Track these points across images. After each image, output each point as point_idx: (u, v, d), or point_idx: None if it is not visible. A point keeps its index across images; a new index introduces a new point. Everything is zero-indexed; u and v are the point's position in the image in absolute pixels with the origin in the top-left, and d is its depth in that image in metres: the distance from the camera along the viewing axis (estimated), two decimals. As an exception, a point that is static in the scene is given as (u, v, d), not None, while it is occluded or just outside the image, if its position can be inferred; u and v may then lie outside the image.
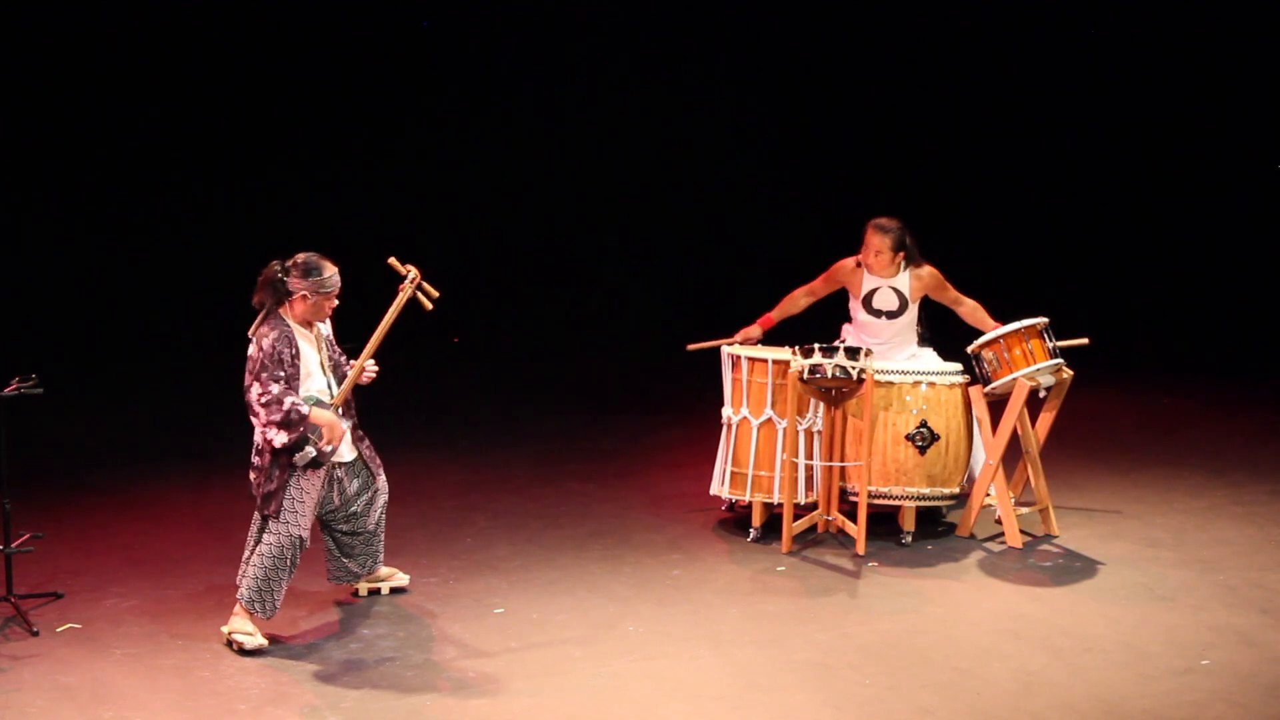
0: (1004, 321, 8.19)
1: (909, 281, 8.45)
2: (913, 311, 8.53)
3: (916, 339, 8.62)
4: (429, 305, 7.13)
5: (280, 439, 6.73)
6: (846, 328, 8.69)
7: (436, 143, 14.22)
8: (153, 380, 11.74)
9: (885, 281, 8.45)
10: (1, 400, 7.09)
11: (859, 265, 8.48)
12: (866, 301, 8.48)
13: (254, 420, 6.79)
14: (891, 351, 8.50)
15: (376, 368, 7.07)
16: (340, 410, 6.98)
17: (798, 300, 8.68)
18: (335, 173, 13.86)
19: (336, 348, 7.18)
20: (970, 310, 8.56)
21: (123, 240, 13.22)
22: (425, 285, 7.12)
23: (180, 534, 8.43)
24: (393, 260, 7.13)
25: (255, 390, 6.74)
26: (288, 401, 6.72)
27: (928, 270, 8.49)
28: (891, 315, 8.48)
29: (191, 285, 13.00)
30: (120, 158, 13.25)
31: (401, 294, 7.07)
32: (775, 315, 8.68)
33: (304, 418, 6.73)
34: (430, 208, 13.99)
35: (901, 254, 8.40)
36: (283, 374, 6.77)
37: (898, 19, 14.71)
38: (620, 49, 14.48)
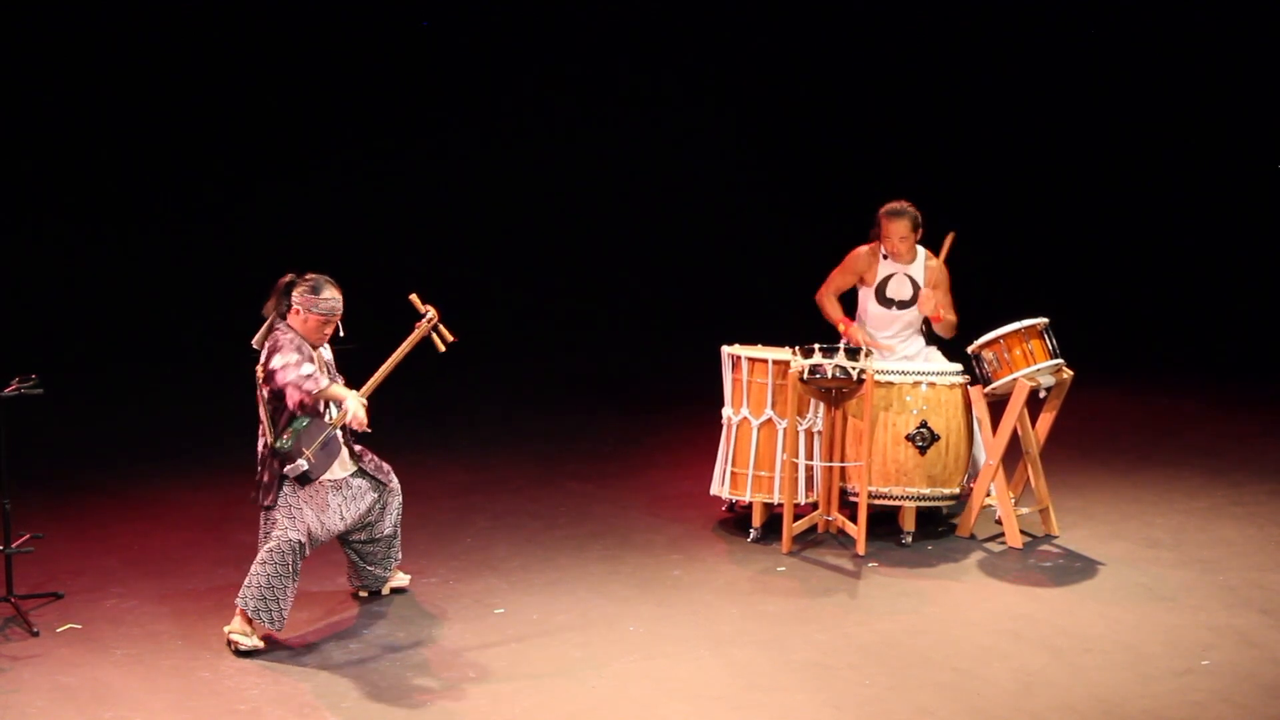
0: (1000, 323, 8.18)
1: (923, 269, 8.46)
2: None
3: (923, 338, 8.62)
4: (442, 348, 7.12)
5: (304, 390, 6.74)
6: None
7: (436, 143, 14.22)
8: (153, 380, 11.74)
9: (901, 268, 8.46)
10: (1, 400, 7.09)
11: (874, 253, 8.49)
12: (880, 290, 8.48)
13: (284, 387, 6.78)
14: (898, 346, 8.49)
15: (364, 404, 6.99)
16: (337, 433, 6.98)
17: (833, 303, 8.60)
18: (334, 173, 13.85)
19: (336, 375, 7.19)
20: (946, 327, 8.54)
21: (123, 240, 13.21)
22: (441, 328, 7.11)
23: (180, 534, 8.43)
24: (413, 297, 7.12)
25: (277, 360, 6.77)
26: (307, 368, 6.76)
27: (939, 264, 8.52)
28: (903, 305, 8.48)
29: (192, 285, 13.00)
30: (121, 158, 13.24)
31: (416, 331, 7.07)
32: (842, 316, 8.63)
33: (318, 380, 6.75)
34: (429, 207, 13.99)
35: (919, 232, 8.42)
36: (300, 355, 6.81)
37: (898, 19, 14.71)
38: (621, 47, 14.47)
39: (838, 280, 8.62)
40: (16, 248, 12.81)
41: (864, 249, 8.55)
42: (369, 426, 6.89)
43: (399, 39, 14.08)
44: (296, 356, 6.80)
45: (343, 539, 7.24)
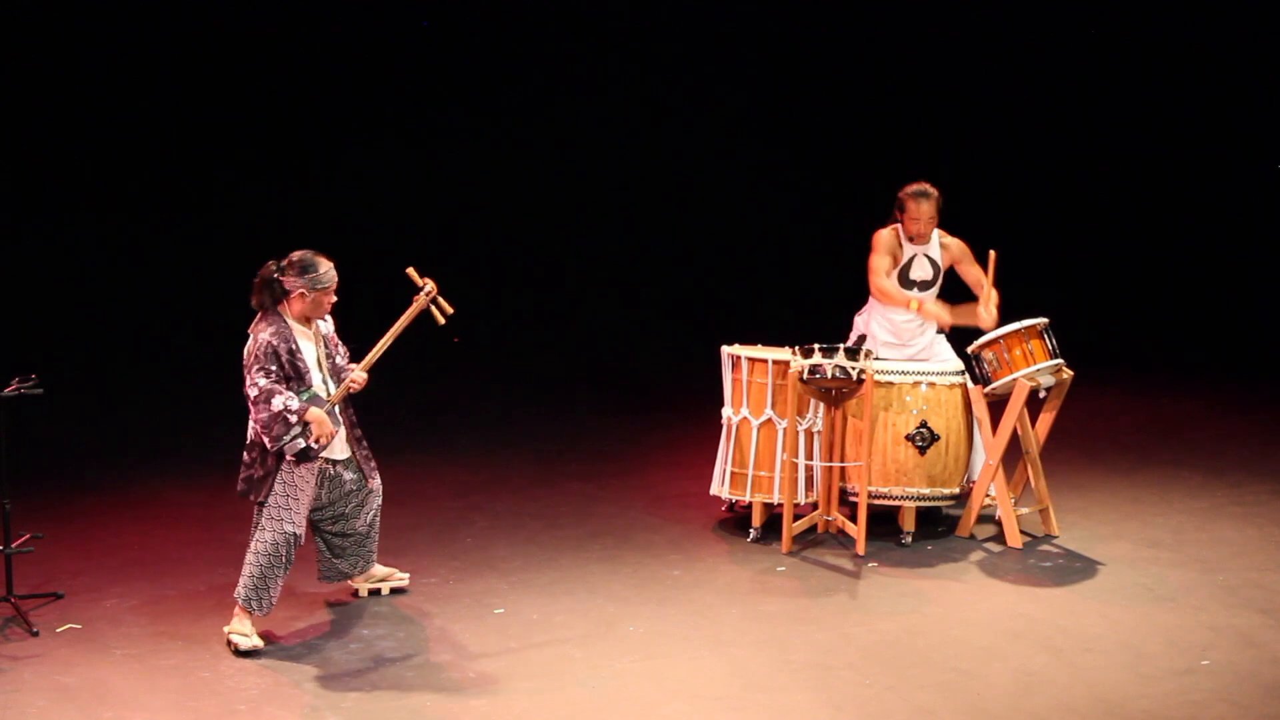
0: (1001, 323, 8.18)
1: (939, 248, 8.46)
2: (938, 285, 8.53)
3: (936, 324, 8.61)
4: (441, 320, 7.15)
5: (270, 436, 6.76)
6: (859, 320, 8.65)
7: (436, 142, 14.21)
8: (153, 380, 11.74)
9: (921, 249, 8.45)
10: (1, 400, 7.09)
11: (895, 236, 8.44)
12: (903, 274, 8.46)
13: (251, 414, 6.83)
14: (916, 333, 8.47)
15: (365, 376, 7.07)
16: (335, 410, 6.99)
17: (894, 284, 8.44)
18: (335, 172, 13.84)
19: (339, 346, 7.18)
20: (985, 298, 8.48)
21: (123, 240, 13.21)
22: (440, 300, 7.14)
23: (180, 534, 8.43)
24: (410, 271, 7.14)
25: (248, 387, 6.78)
26: (277, 402, 6.74)
27: (956, 241, 8.52)
28: (925, 286, 8.46)
29: (192, 285, 12.99)
30: (120, 157, 13.24)
31: (415, 305, 7.08)
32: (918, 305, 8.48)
33: (290, 423, 6.74)
34: (429, 207, 13.98)
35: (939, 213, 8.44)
36: (274, 368, 6.79)
37: (900, 21, 14.71)
38: (622, 47, 14.47)
39: (884, 262, 8.41)
40: (16, 248, 12.81)
41: (885, 231, 8.46)
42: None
43: (399, 38, 14.08)
44: (265, 384, 6.76)
45: (315, 525, 7.21)
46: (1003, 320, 8.20)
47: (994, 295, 8.39)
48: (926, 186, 8.39)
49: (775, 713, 6.30)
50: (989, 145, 14.82)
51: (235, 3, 13.39)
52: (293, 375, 6.84)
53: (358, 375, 7.03)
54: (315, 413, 6.84)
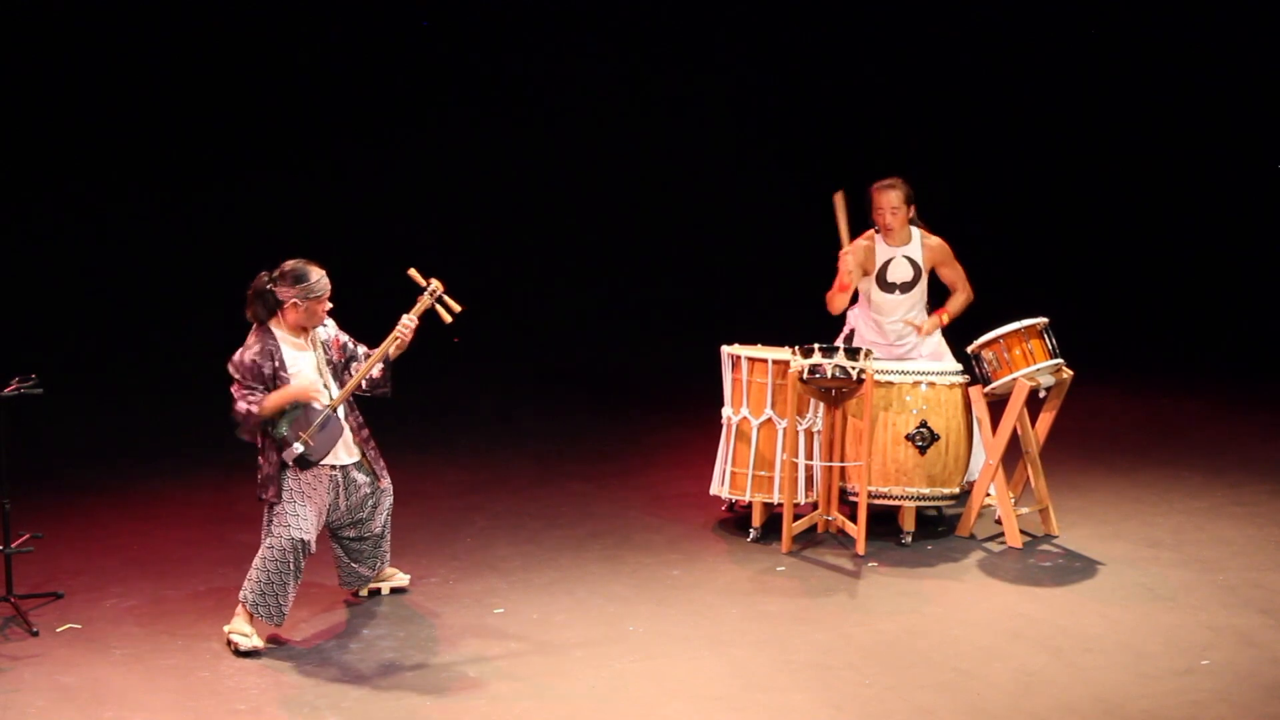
0: (1000, 323, 8.18)
1: (920, 249, 8.46)
2: (924, 284, 8.53)
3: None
4: (448, 319, 7.12)
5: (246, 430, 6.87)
6: (851, 314, 8.64)
7: (436, 142, 14.22)
8: (153, 380, 11.74)
9: (899, 250, 8.45)
10: (1, 400, 7.09)
11: (870, 238, 8.47)
12: (881, 276, 8.47)
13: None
14: (902, 331, 8.49)
15: (415, 322, 7.06)
16: (341, 411, 6.98)
17: (843, 301, 8.51)
18: (335, 172, 13.85)
19: (348, 345, 7.15)
20: (962, 302, 8.54)
21: (123, 240, 13.22)
22: (446, 299, 7.12)
23: (180, 534, 8.43)
24: (413, 271, 7.11)
25: (235, 389, 6.86)
26: (241, 407, 6.82)
27: (937, 240, 8.54)
28: (906, 288, 8.48)
29: (191, 285, 12.99)
30: (120, 157, 13.24)
31: (420, 304, 7.06)
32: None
33: (251, 414, 6.79)
34: (429, 206, 13.99)
35: (912, 208, 8.42)
36: (259, 387, 6.82)
37: (900, 20, 14.71)
38: (621, 46, 14.47)
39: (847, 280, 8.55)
40: (17, 247, 12.81)
41: (859, 240, 8.52)
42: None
43: (399, 38, 14.08)
44: (243, 407, 6.84)
45: (333, 533, 7.22)
46: (1002, 320, 8.18)
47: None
48: (894, 179, 8.42)
49: (775, 713, 6.30)
50: (989, 145, 14.83)
51: (235, 2, 13.39)
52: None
53: (406, 322, 7.03)
54: (286, 392, 6.82)
